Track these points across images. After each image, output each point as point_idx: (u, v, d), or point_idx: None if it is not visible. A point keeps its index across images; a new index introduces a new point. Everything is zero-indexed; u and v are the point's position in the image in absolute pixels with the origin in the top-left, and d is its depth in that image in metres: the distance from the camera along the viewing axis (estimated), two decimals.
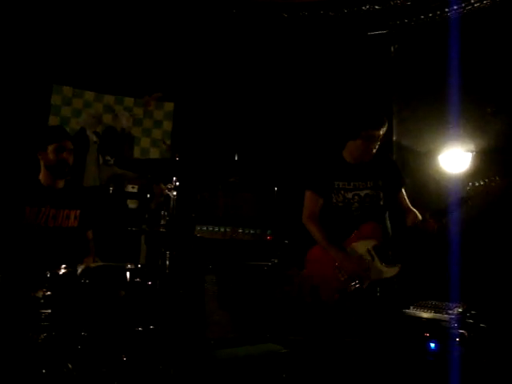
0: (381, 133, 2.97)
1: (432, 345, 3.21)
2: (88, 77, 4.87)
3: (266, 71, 5.06)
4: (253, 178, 4.12)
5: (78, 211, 3.05)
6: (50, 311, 2.18)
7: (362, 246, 2.91)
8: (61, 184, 3.08)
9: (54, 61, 4.71)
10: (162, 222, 2.42)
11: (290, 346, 3.12)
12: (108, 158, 4.91)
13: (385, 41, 5.02)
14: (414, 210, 3.08)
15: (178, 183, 2.38)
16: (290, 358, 3.04)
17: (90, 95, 4.96)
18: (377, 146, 3.01)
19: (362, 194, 3.04)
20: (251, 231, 3.86)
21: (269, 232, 3.88)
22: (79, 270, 2.09)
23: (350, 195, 3.03)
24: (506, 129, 4.01)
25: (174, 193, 2.38)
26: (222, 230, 3.80)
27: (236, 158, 4.29)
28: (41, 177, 3.05)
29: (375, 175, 3.08)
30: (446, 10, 4.57)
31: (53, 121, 4.78)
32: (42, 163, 3.04)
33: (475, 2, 4.30)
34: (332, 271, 2.91)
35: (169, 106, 5.15)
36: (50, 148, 2.99)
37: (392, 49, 5.02)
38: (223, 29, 4.93)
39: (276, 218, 3.96)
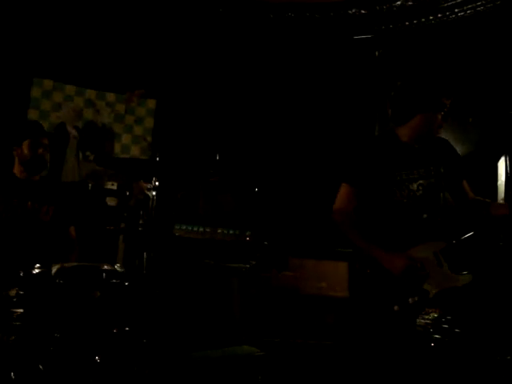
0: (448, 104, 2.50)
1: None
2: (69, 70, 4.80)
3: (248, 70, 5.05)
4: (234, 178, 4.11)
5: (52, 207, 3.01)
6: (22, 311, 2.14)
7: (427, 249, 2.41)
8: (37, 178, 3.05)
9: (35, 53, 4.63)
10: (141, 222, 2.40)
11: (266, 348, 3.10)
12: (88, 153, 4.85)
13: (370, 45, 5.05)
14: (482, 199, 2.60)
15: (157, 183, 2.35)
16: (265, 360, 3.03)
17: (70, 89, 4.89)
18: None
19: (425, 183, 2.51)
20: (230, 231, 3.83)
21: (248, 233, 3.86)
22: (54, 270, 2.06)
23: (414, 186, 2.49)
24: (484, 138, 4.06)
25: (154, 193, 2.36)
26: (202, 229, 3.78)
27: (217, 158, 4.27)
28: (15, 170, 3.03)
29: (436, 160, 2.56)
30: (431, 17, 4.62)
31: (32, 114, 4.70)
32: (16, 158, 3.03)
33: (459, 12, 4.35)
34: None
35: (151, 103, 5.10)
36: (25, 143, 2.97)
37: (376, 53, 5.06)
38: (208, 27, 4.91)
39: (256, 219, 3.95)
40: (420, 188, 2.49)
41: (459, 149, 3.57)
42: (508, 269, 2.98)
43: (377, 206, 2.50)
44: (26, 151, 2.97)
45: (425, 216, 2.49)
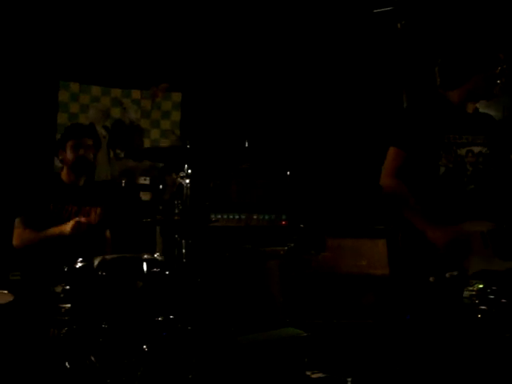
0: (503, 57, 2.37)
1: None
2: (94, 71, 4.86)
3: (273, 55, 5.01)
4: (264, 163, 4.10)
5: (99, 209, 3.07)
6: (69, 305, 2.19)
7: (474, 227, 2.30)
8: (82, 181, 3.11)
9: (60, 57, 4.70)
10: (176, 211, 2.41)
11: (310, 329, 3.09)
12: (118, 151, 4.91)
13: (391, 17, 4.94)
14: None
15: (190, 171, 2.36)
16: (310, 342, 3.03)
17: (96, 90, 4.95)
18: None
19: (476, 151, 2.40)
20: (266, 217, 3.84)
21: (283, 217, 3.85)
22: (95, 263, 2.10)
23: (463, 152, 2.37)
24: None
25: (187, 181, 2.37)
26: (237, 216, 3.79)
27: (246, 145, 4.26)
28: (63, 175, 3.09)
29: (487, 128, 2.46)
30: None
31: (61, 118, 4.78)
32: (64, 161, 3.08)
33: None
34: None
35: (176, 97, 5.12)
36: (69, 145, 3.03)
37: (399, 25, 4.94)
38: (228, 16, 4.88)
39: (290, 203, 3.93)
40: (470, 155, 2.38)
41: (494, 113, 3.48)
42: None
43: (423, 172, 2.37)
44: (69, 153, 3.02)
45: (471, 187, 2.37)
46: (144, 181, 4.33)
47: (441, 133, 2.36)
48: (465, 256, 2.23)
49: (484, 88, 2.41)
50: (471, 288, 3.26)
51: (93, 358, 2.07)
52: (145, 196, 4.19)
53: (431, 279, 2.22)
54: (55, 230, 2.83)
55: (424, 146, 2.35)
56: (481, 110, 2.65)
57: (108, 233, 3.22)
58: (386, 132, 2.50)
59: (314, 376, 2.98)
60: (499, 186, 2.51)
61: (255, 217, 3.81)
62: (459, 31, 4.27)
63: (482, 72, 2.38)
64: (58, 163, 4.38)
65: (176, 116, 5.10)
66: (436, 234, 2.24)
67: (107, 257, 2.17)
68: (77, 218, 2.80)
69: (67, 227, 2.77)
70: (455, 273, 2.21)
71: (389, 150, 2.41)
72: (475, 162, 2.39)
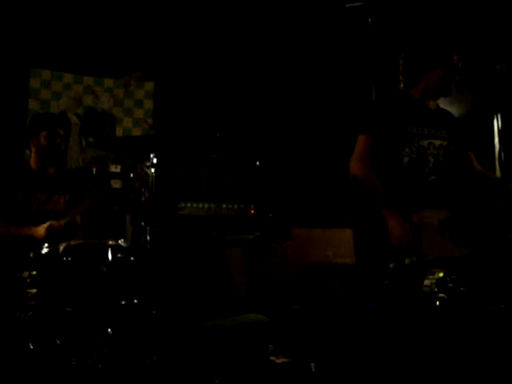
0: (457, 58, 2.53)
1: None
2: (66, 59, 4.84)
3: (244, 48, 5.06)
4: (234, 153, 4.16)
5: (68, 196, 3.11)
6: (35, 290, 2.23)
7: (432, 215, 2.44)
8: (51, 169, 3.13)
9: (31, 44, 4.67)
10: (143, 199, 2.47)
11: (274, 316, 3.18)
12: (90, 139, 4.91)
13: (363, 12, 5.01)
14: (493, 175, 2.67)
15: (155, 160, 2.41)
16: (274, 327, 3.12)
17: (69, 77, 4.94)
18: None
19: (437, 144, 2.55)
20: (235, 206, 3.90)
21: (252, 206, 3.92)
22: (61, 249, 2.15)
23: (425, 143, 2.50)
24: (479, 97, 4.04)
25: (152, 170, 2.42)
26: (206, 206, 3.84)
27: (218, 135, 4.32)
28: (31, 162, 3.11)
29: (448, 124, 2.62)
30: None
31: (32, 104, 4.76)
32: (33, 149, 3.09)
33: None
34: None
35: (149, 86, 5.14)
36: (43, 134, 3.03)
37: (369, 20, 5.02)
38: (201, 8, 4.91)
39: (259, 193, 4.00)
40: (431, 147, 2.52)
41: (456, 109, 3.61)
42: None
43: (388, 161, 2.50)
44: (43, 142, 3.03)
45: (432, 178, 2.51)
46: (115, 169, 4.36)
47: (404, 124, 2.50)
48: (414, 248, 2.33)
49: (439, 85, 2.56)
50: (432, 276, 3.38)
51: (58, 341, 2.13)
52: (115, 184, 4.21)
53: (391, 266, 2.33)
54: (27, 232, 2.84)
55: (389, 135, 2.48)
56: (444, 107, 2.79)
57: (79, 219, 3.25)
58: (354, 123, 2.62)
59: (278, 361, 3.07)
60: (457, 178, 2.64)
61: (224, 206, 3.87)
62: (419, 31, 4.40)
63: (434, 70, 2.53)
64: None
65: (149, 105, 5.13)
66: (393, 223, 2.36)
67: (72, 242, 2.22)
68: (50, 222, 2.81)
69: (41, 231, 2.79)
70: (414, 259, 2.33)
71: (358, 137, 2.52)
72: (436, 154, 2.53)
